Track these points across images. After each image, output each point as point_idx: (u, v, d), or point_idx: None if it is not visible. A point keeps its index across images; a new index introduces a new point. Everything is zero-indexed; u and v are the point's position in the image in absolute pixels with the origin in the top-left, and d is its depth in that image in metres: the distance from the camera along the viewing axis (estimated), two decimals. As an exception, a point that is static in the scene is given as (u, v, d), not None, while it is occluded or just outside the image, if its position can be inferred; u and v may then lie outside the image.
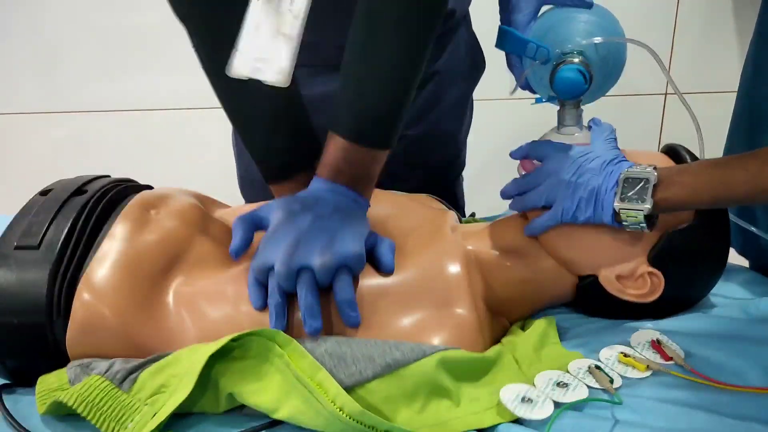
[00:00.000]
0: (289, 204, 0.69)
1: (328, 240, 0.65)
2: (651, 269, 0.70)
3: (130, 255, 0.68)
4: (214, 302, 0.67)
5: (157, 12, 1.65)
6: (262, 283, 0.66)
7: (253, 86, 0.71)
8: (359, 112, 0.70)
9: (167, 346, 0.65)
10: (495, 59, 0.88)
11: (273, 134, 0.75)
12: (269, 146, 0.76)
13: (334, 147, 0.70)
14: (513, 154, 0.78)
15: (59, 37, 1.74)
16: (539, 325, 0.71)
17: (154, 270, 0.68)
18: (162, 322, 0.66)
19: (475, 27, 1.04)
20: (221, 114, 1.05)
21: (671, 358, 0.65)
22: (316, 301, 0.63)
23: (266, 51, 0.56)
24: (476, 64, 1.05)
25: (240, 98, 0.75)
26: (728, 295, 0.80)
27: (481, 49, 1.04)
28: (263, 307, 0.66)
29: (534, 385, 0.61)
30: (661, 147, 0.80)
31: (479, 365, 0.64)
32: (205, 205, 0.82)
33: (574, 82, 0.73)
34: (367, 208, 0.73)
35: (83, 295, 0.65)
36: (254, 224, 0.70)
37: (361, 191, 0.72)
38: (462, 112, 1.05)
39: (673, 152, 0.75)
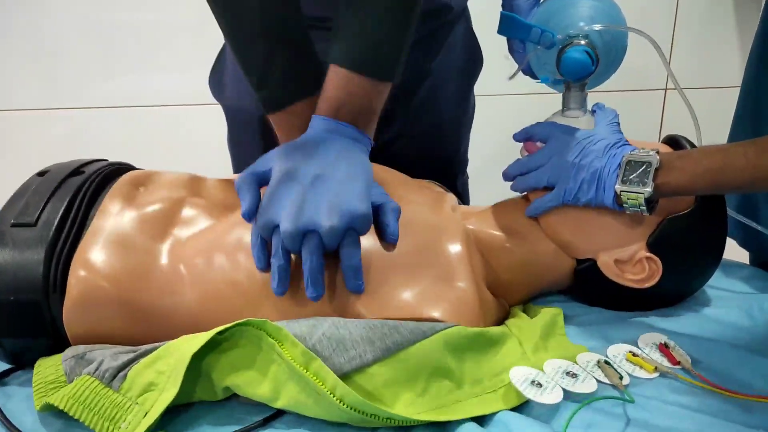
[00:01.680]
0: (290, 153, 0.68)
1: (334, 198, 0.63)
2: (649, 255, 0.70)
3: (121, 227, 0.68)
4: (209, 254, 0.67)
5: (156, 9, 1.66)
6: (265, 242, 0.65)
7: (253, 8, 0.69)
8: (360, 42, 0.69)
9: (168, 308, 0.65)
10: (497, 55, 0.88)
11: (271, 55, 0.73)
12: (268, 68, 0.73)
13: (335, 79, 0.69)
14: (516, 136, 0.78)
15: (58, 34, 1.74)
16: (546, 313, 0.71)
17: (146, 237, 0.68)
18: (159, 281, 0.66)
19: (474, 23, 1.04)
20: (219, 111, 1.05)
21: (678, 362, 0.65)
22: (320, 268, 0.62)
23: None
24: (474, 60, 1.04)
25: (239, 17, 0.73)
26: (730, 289, 0.80)
27: (479, 45, 1.04)
28: (267, 267, 0.65)
29: (543, 370, 0.61)
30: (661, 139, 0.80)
31: (481, 340, 0.64)
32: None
33: (582, 63, 0.74)
34: (370, 147, 0.72)
35: (78, 272, 0.65)
36: (258, 181, 0.69)
37: (363, 128, 0.71)
38: (461, 108, 1.05)
39: (674, 142, 0.76)
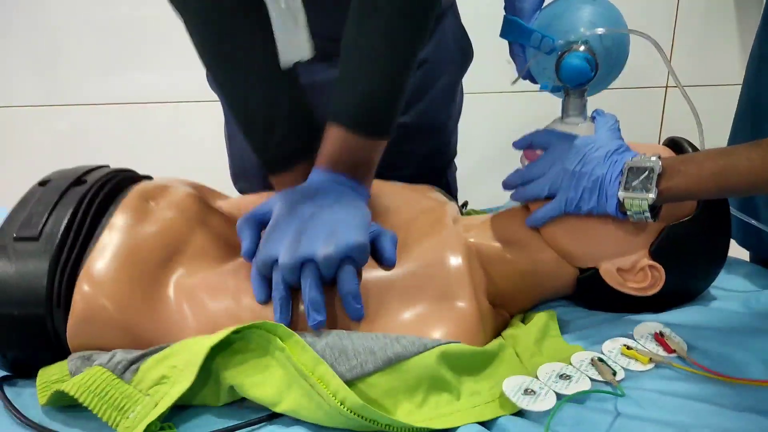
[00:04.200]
0: (290, 196, 0.70)
1: (331, 231, 0.65)
2: (652, 263, 0.70)
3: (130, 246, 0.68)
4: (215, 295, 0.67)
5: (157, 6, 1.66)
6: (265, 277, 0.66)
7: (251, 76, 0.72)
8: (358, 102, 0.70)
9: (167, 338, 0.64)
10: (493, 51, 0.88)
11: (271, 124, 0.74)
12: (268, 137, 0.75)
13: (333, 137, 0.71)
14: (516, 144, 0.78)
15: (59, 30, 1.74)
16: (540, 318, 0.71)
17: (154, 262, 0.68)
18: (162, 314, 0.66)
19: (463, 16, 1.04)
20: (219, 107, 1.05)
21: (674, 351, 0.65)
22: (320, 295, 0.63)
23: (295, 40, 0.72)
24: (464, 52, 1.05)
25: (238, 90, 0.75)
26: (729, 288, 0.80)
27: (468, 37, 1.04)
28: (266, 301, 0.66)
29: (536, 377, 0.61)
30: (662, 140, 0.79)
31: (480, 359, 0.64)
32: (204, 196, 0.82)
33: (581, 70, 0.73)
34: (368, 197, 0.73)
35: (83, 287, 0.65)
36: (259, 222, 0.70)
37: (360, 179, 0.72)
38: (451, 99, 1.05)
39: (675, 145, 0.75)
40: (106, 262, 0.66)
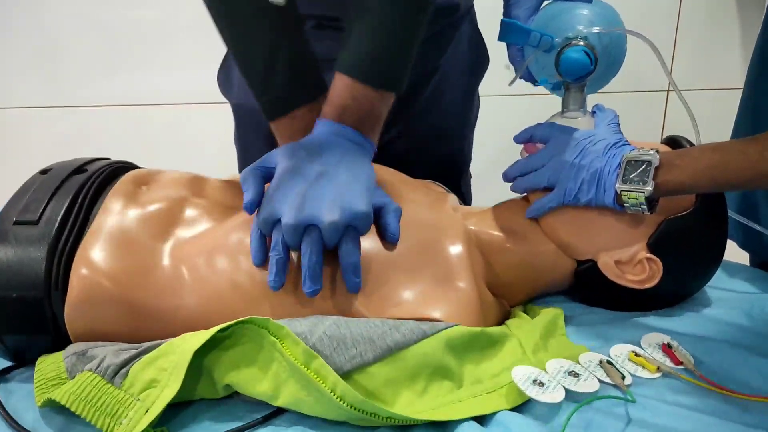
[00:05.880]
0: (295, 151, 0.68)
1: (336, 195, 0.64)
2: (650, 255, 0.71)
3: (123, 226, 0.68)
4: (211, 256, 0.67)
5: (159, 7, 1.66)
6: (264, 237, 0.66)
7: (252, 15, 0.70)
8: (367, 52, 0.69)
9: (168, 308, 0.65)
10: (501, 55, 0.88)
11: (272, 65, 0.73)
12: (268, 77, 0.74)
13: (341, 86, 0.70)
14: (517, 138, 0.79)
15: (60, 31, 1.75)
16: (547, 314, 0.71)
17: (148, 236, 0.68)
18: (159, 283, 0.66)
19: (480, 22, 1.04)
20: (223, 109, 1.05)
21: (681, 363, 0.65)
22: (319, 263, 0.63)
23: None
24: (480, 59, 1.05)
25: (239, 28, 0.74)
26: (730, 289, 0.80)
27: (484, 44, 1.04)
28: (263, 263, 0.65)
29: (545, 370, 0.61)
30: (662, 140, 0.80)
31: (481, 341, 0.64)
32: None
33: (581, 63, 0.74)
34: (374, 152, 0.72)
35: (80, 270, 0.65)
36: (263, 175, 0.69)
37: (367, 133, 0.71)
38: (467, 107, 1.05)
39: (674, 143, 0.76)
40: (100, 243, 0.66)
